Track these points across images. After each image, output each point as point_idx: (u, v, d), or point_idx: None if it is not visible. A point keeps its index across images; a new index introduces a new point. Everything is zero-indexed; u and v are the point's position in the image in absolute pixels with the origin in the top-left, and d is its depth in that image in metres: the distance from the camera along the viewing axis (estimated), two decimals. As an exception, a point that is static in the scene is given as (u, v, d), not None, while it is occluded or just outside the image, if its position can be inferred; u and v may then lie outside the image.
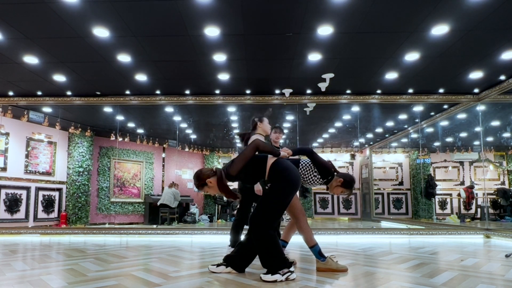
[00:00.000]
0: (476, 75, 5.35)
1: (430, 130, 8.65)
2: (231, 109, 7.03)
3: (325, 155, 11.04)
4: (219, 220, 10.64)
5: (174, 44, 4.43)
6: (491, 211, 9.89)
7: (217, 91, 6.23)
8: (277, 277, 2.53)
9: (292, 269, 2.63)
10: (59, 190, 8.46)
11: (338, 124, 8.51)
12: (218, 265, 2.88)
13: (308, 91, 6.24)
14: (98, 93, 6.29)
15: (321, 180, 3.06)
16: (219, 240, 5.41)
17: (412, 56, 4.75)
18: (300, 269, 3.01)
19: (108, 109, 7.21)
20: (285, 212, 2.97)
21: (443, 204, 10.50)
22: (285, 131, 4.20)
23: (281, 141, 4.37)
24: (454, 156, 10.53)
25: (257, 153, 2.77)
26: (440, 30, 4.01)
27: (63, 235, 6.20)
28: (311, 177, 3.06)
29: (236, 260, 2.86)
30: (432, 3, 3.52)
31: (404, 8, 3.61)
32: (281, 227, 3.84)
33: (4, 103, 6.51)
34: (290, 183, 2.71)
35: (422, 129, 8.39)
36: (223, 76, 5.49)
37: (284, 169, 2.74)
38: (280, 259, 2.62)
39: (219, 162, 11.92)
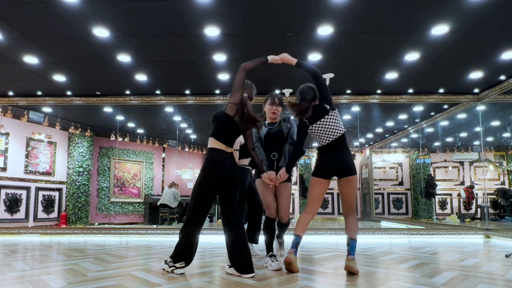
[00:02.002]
0: (476, 75, 5.35)
1: (430, 130, 8.64)
2: (231, 109, 7.03)
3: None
4: (219, 220, 10.62)
5: (174, 44, 4.43)
6: (491, 211, 9.90)
7: (217, 91, 6.22)
8: (165, 266, 2.83)
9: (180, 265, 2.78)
10: (59, 190, 8.47)
11: (338, 124, 8.50)
12: (230, 266, 2.81)
13: (308, 91, 6.23)
14: (98, 93, 6.29)
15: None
16: (219, 240, 5.40)
17: (412, 56, 4.75)
18: (300, 269, 3.01)
19: (108, 109, 7.21)
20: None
21: (443, 204, 10.49)
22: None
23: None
24: (454, 156, 10.53)
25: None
26: (440, 30, 4.01)
27: (63, 235, 6.20)
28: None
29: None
30: (432, 3, 3.52)
31: (404, 8, 3.61)
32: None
33: (4, 103, 6.51)
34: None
35: (422, 129, 8.38)
36: (223, 76, 5.49)
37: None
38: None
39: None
